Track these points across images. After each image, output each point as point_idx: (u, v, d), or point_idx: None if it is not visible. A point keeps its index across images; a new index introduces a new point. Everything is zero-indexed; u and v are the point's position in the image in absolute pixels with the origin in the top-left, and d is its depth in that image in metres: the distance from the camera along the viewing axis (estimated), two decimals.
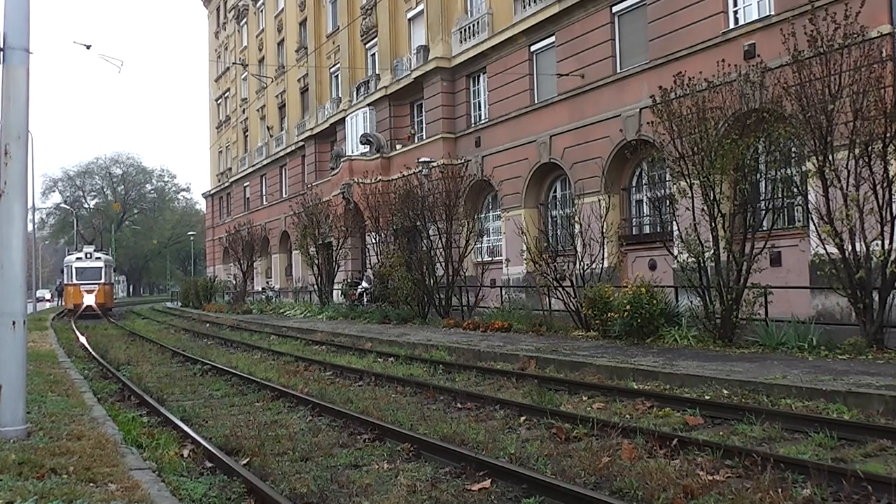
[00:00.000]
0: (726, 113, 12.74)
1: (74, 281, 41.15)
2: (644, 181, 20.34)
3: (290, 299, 37.63)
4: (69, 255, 45.54)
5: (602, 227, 16.45)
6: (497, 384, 10.48)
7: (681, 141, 12.87)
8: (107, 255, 46.62)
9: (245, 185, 51.48)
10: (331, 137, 37.33)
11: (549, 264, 16.83)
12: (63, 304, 46.45)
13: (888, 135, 10.60)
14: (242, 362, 14.12)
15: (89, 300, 39.91)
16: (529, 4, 23.69)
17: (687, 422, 7.50)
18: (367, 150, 31.22)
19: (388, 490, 5.48)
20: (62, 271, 46.59)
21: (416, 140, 29.70)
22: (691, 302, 13.30)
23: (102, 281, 41.57)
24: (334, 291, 30.34)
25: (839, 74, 10.97)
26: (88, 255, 42.45)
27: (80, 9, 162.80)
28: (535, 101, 23.68)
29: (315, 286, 30.37)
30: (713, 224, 12.55)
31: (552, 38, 23.00)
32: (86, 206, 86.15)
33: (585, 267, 16.17)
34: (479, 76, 26.96)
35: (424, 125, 29.08)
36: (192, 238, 74.93)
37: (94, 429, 6.82)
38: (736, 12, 17.57)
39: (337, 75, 38.07)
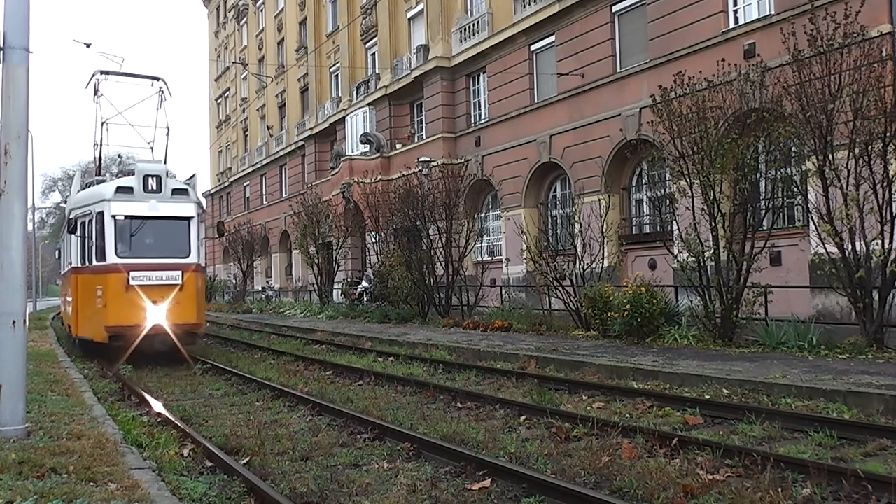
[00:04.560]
0: (726, 112, 12.74)
1: (115, 258, 13.36)
2: (644, 181, 20.34)
3: (290, 299, 37.65)
4: (94, 183, 16.29)
5: (602, 226, 16.45)
6: (497, 384, 10.48)
7: (681, 140, 12.88)
8: (190, 184, 16.89)
9: (245, 184, 51.46)
10: (331, 137, 37.32)
11: (548, 264, 16.84)
12: (63, 320, 19.91)
13: (888, 134, 10.60)
14: (242, 362, 14.11)
15: (157, 316, 13.22)
16: (529, 4, 23.68)
17: (687, 421, 7.50)
18: (367, 149, 31.22)
19: (388, 489, 5.47)
20: (76, 227, 14.25)
21: (416, 139, 29.69)
22: (691, 301, 13.30)
23: (192, 259, 14.00)
24: (334, 291, 30.34)
25: (839, 74, 10.97)
26: (153, 185, 13.95)
27: (80, 8, 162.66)
28: (535, 101, 23.67)
29: (315, 286, 30.36)
30: (713, 223, 12.55)
31: (552, 38, 22.99)
32: None
33: (585, 266, 16.18)
34: (479, 76, 26.95)
35: (424, 125, 29.07)
36: None
37: (94, 428, 6.82)
38: (736, 12, 17.57)
39: (337, 75, 38.07)
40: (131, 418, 8.03)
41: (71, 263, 15.03)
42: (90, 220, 13.81)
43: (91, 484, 4.96)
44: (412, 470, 6.00)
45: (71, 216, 14.55)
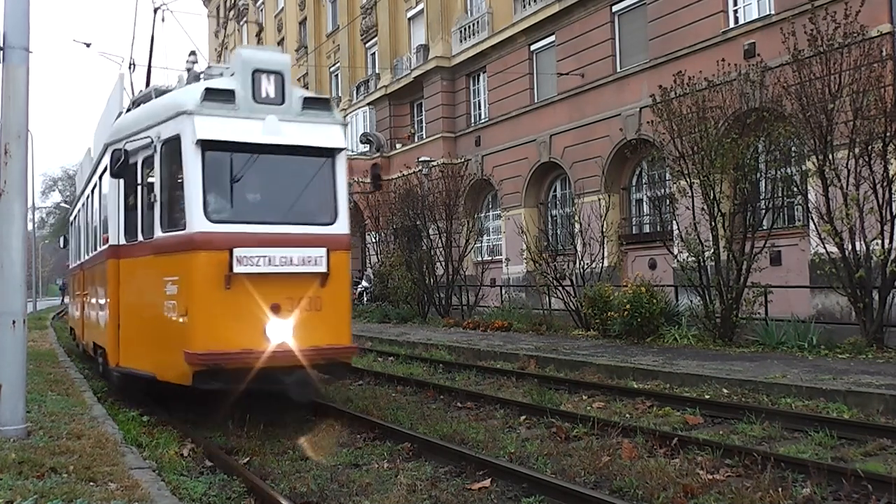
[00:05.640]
0: (726, 112, 12.75)
1: (206, 223, 7.07)
2: (644, 180, 20.35)
3: None
4: (154, 95, 8.64)
5: (602, 226, 16.45)
6: (497, 383, 10.48)
7: (681, 140, 12.88)
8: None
9: None
10: None
11: (548, 263, 16.84)
12: (76, 333, 13.85)
13: (888, 134, 10.60)
14: None
15: (282, 333, 7.07)
16: (529, 4, 23.68)
17: (687, 421, 7.50)
18: (367, 149, 31.25)
19: (387, 489, 5.47)
20: (122, 169, 7.70)
21: (415, 139, 29.71)
22: (691, 301, 13.30)
23: (341, 227, 7.68)
24: None
25: (839, 73, 10.98)
26: (269, 89, 7.44)
27: (80, 7, 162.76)
28: (535, 101, 23.67)
29: None
30: (713, 223, 12.55)
31: (552, 38, 23.00)
32: None
33: (585, 266, 16.18)
34: (479, 75, 26.95)
35: (424, 124, 29.08)
36: None
37: (94, 428, 6.81)
38: (736, 11, 17.58)
39: (337, 75, 38.07)
40: (131, 418, 8.03)
41: (107, 240, 8.63)
42: (153, 155, 7.67)
43: (91, 484, 4.95)
44: (412, 470, 6.00)
45: (117, 147, 7.86)
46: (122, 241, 8.30)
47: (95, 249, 10.22)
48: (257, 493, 5.31)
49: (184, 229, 7.20)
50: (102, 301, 9.19)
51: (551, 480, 5.33)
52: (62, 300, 55.35)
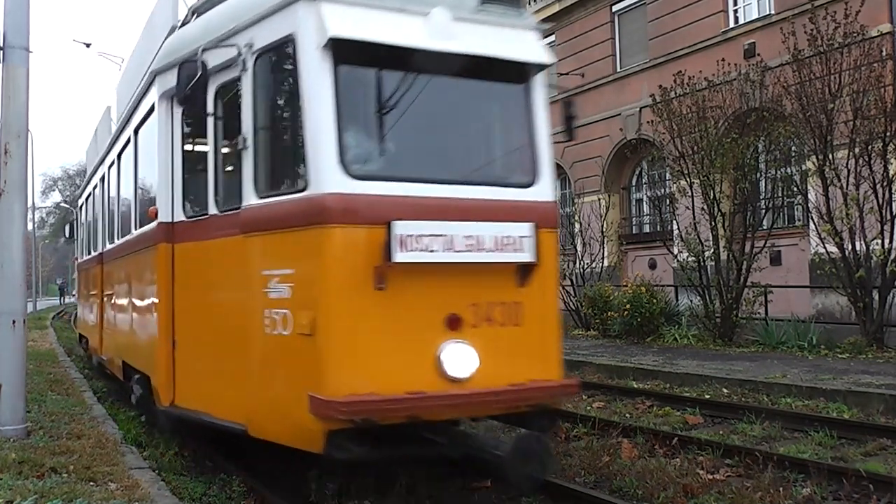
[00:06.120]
0: (726, 112, 12.77)
1: (342, 178, 4.28)
2: (644, 180, 20.35)
3: None
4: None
5: (602, 226, 16.49)
6: None
7: (681, 140, 12.90)
8: None
9: None
10: None
11: None
12: (87, 344, 11.83)
13: (888, 134, 10.62)
14: None
15: (463, 362, 4.38)
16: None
17: (687, 421, 7.51)
18: None
19: (387, 489, 5.47)
20: (191, 95, 4.80)
21: None
22: (691, 301, 13.31)
23: (544, 190, 5.01)
24: None
25: (839, 73, 11.00)
26: None
27: (80, 7, 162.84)
28: None
29: None
30: (713, 223, 12.57)
31: (552, 38, 22.96)
32: None
33: (585, 266, 16.20)
34: None
35: None
36: None
37: (94, 428, 6.81)
38: (736, 11, 17.56)
39: None
40: (131, 418, 8.03)
41: (156, 215, 5.94)
42: (239, 77, 4.97)
43: (91, 483, 4.95)
44: (412, 470, 5.99)
45: (189, 60, 4.94)
46: (181, 217, 5.67)
47: (128, 233, 7.46)
48: (257, 494, 5.31)
49: (303, 190, 4.51)
50: (142, 304, 6.65)
51: (551, 480, 5.32)
52: (60, 300, 55.32)
